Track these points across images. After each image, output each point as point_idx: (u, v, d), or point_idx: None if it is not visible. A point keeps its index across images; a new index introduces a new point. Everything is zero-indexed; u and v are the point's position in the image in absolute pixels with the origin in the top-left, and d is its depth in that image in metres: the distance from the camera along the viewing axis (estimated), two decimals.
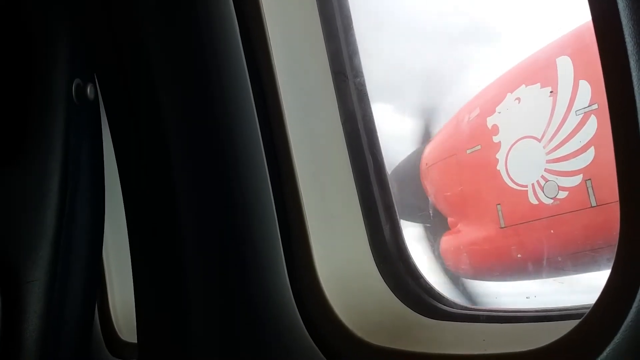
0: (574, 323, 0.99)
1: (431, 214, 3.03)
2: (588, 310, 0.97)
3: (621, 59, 0.86)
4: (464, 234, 3.01)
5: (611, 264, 0.94)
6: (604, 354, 0.92)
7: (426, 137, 3.27)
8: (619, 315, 0.90)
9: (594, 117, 2.38)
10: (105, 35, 1.41)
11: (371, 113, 1.50)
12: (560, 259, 2.42)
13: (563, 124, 2.49)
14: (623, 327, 0.89)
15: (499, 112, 2.79)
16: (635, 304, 0.88)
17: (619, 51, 0.86)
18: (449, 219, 3.10)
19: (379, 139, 1.51)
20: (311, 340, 1.32)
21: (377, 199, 1.49)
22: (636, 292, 0.88)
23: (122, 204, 1.44)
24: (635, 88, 0.85)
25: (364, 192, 1.49)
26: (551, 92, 2.55)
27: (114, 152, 1.46)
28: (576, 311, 1.10)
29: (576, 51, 2.45)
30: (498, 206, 2.80)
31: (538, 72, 2.67)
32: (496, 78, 2.90)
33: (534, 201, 2.61)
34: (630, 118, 0.86)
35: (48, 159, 1.42)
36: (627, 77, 0.85)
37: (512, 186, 2.72)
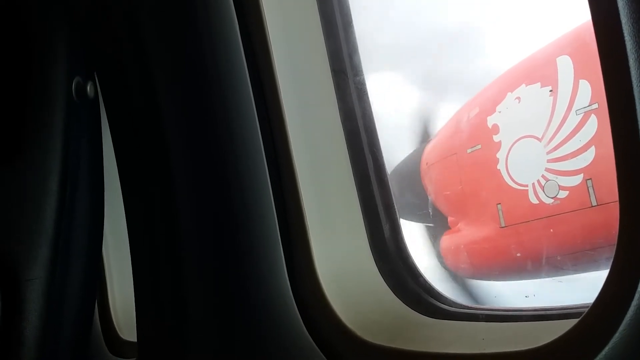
0: (573, 322, 0.99)
1: (431, 213, 3.03)
2: (587, 309, 0.97)
3: (620, 57, 0.86)
4: (464, 233, 3.02)
5: (610, 263, 0.94)
6: (603, 352, 0.92)
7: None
8: (618, 313, 0.90)
9: (594, 117, 2.38)
10: (105, 33, 1.41)
11: (371, 111, 1.51)
12: (560, 258, 2.42)
13: (563, 124, 2.49)
14: (622, 326, 0.89)
15: (499, 112, 2.80)
16: (634, 303, 0.88)
17: (619, 50, 0.86)
18: (450, 218, 3.10)
19: (379, 137, 1.51)
20: (310, 339, 1.32)
21: (377, 198, 1.49)
22: (635, 291, 0.88)
23: (122, 202, 1.45)
24: (635, 87, 0.85)
25: (364, 191, 1.49)
26: (551, 91, 2.55)
27: (113, 150, 1.46)
28: (575, 310, 1.10)
29: (576, 50, 2.45)
30: (498, 205, 2.80)
31: (538, 71, 2.67)
32: (496, 77, 2.90)
33: (534, 201, 2.61)
34: (629, 117, 0.86)
35: (48, 156, 1.42)
36: (627, 76, 0.85)
37: (512, 185, 2.72)
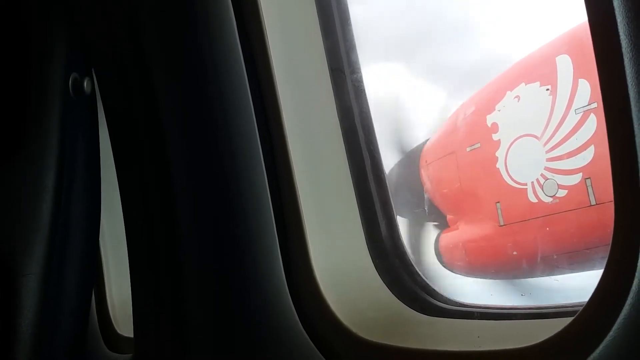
0: (567, 320, 0.99)
1: (427, 211, 3.03)
2: (582, 308, 0.97)
3: (616, 56, 0.86)
4: (463, 232, 3.02)
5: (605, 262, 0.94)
6: (598, 350, 0.92)
7: None
8: (613, 312, 0.90)
9: (594, 116, 2.38)
10: (102, 29, 1.41)
11: (368, 109, 1.51)
12: (558, 257, 2.42)
13: (563, 123, 2.49)
14: (616, 325, 0.89)
15: (499, 110, 2.79)
16: (628, 301, 0.88)
17: (614, 49, 0.86)
18: (448, 217, 3.10)
19: (376, 135, 1.51)
20: (307, 335, 1.32)
21: (374, 196, 1.49)
22: (629, 289, 0.88)
23: (119, 198, 1.45)
24: (630, 86, 0.85)
25: (361, 189, 1.49)
26: (547, 89, 2.55)
27: (110, 146, 1.46)
28: (570, 308, 1.10)
29: (575, 50, 2.45)
30: (497, 204, 2.80)
31: (538, 70, 2.67)
32: (496, 76, 2.90)
33: (533, 199, 2.61)
34: (625, 116, 0.86)
35: (44, 153, 1.42)
36: (622, 75, 0.85)
37: (511, 184, 2.72)
